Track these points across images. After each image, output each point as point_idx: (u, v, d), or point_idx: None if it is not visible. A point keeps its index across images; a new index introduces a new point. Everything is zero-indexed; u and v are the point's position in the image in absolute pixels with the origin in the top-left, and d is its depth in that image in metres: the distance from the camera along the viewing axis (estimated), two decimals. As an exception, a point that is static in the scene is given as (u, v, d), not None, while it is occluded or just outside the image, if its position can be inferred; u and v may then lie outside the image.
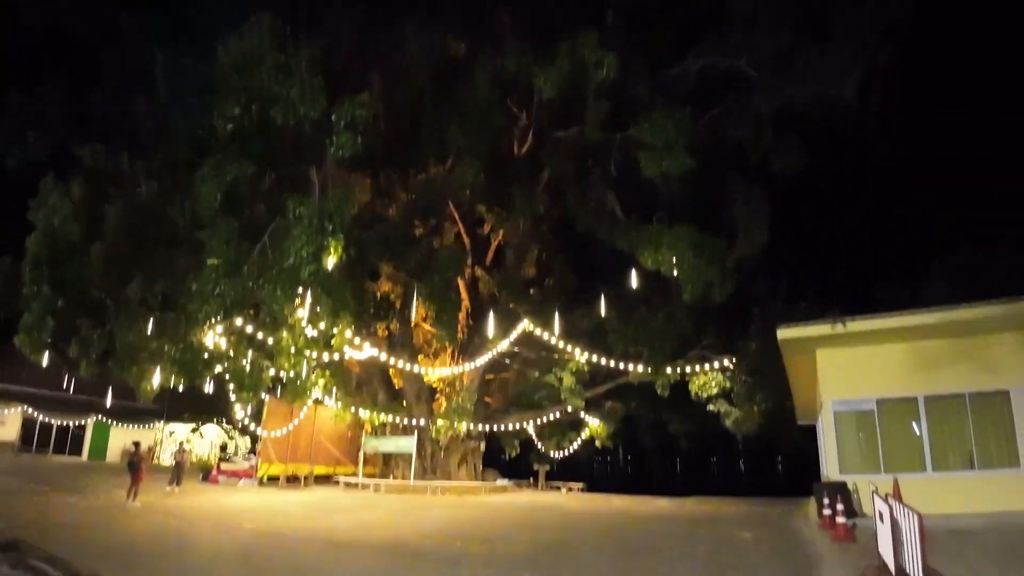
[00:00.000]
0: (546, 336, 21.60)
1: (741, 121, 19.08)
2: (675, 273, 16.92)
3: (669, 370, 22.18)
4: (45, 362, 18.44)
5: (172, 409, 35.24)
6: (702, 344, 22.99)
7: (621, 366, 22.37)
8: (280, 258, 10.81)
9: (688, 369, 22.50)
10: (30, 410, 32.87)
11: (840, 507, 11.42)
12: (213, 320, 10.62)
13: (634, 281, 17.82)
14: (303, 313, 12.24)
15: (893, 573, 6.45)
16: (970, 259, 22.02)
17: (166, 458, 35.62)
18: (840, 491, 12.45)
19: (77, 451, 35.15)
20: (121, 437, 34.73)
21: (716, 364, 22.33)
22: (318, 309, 12.45)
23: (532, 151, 22.11)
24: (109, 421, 35.06)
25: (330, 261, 10.07)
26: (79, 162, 16.40)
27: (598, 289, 22.04)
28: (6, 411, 32.42)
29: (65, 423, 34.58)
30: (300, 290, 11.70)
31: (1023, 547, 9.17)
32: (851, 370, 14.50)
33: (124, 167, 15.75)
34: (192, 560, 9.04)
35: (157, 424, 36.51)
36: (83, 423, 35.13)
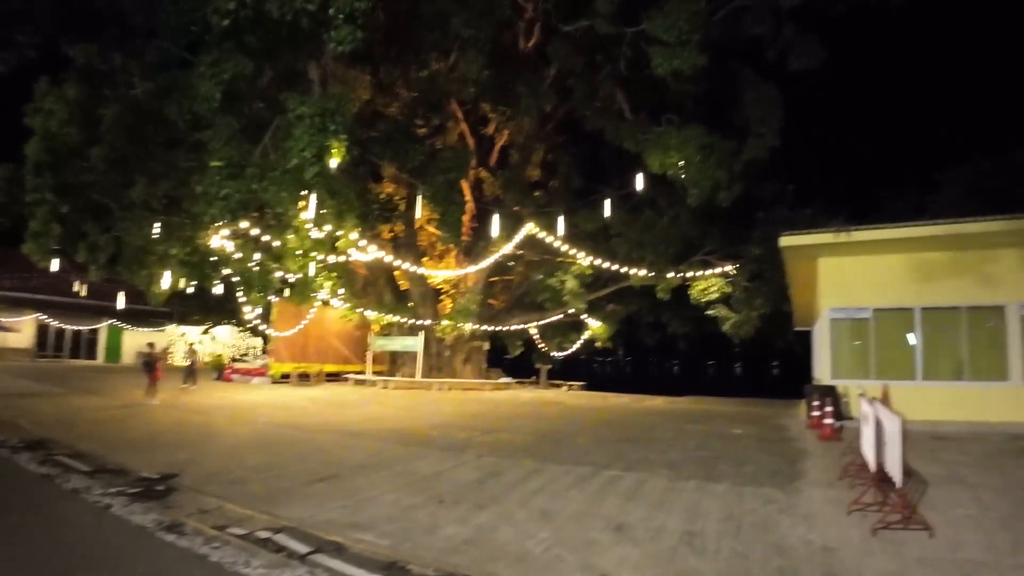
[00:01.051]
0: (550, 239, 21.66)
1: (760, 16, 18.17)
2: (682, 176, 16.70)
3: (671, 274, 22.38)
4: (55, 268, 18.63)
5: (183, 311, 35.91)
6: (705, 249, 23.07)
7: (624, 270, 22.57)
8: (283, 159, 10.69)
9: (690, 274, 22.71)
10: (43, 317, 33.61)
11: (829, 409, 11.93)
12: (219, 222, 10.66)
13: (640, 184, 17.61)
14: (308, 215, 12.27)
15: (873, 470, 6.84)
16: (982, 169, 21.57)
17: (179, 359, 36.77)
18: (830, 394, 12.99)
19: (92, 355, 36.25)
20: (134, 340, 35.69)
21: (718, 269, 22.51)
22: (323, 211, 12.47)
23: (539, 46, 21.26)
24: (122, 325, 35.90)
25: (333, 162, 9.98)
26: (72, 63, 15.88)
27: (603, 192, 21.91)
28: (20, 318, 33.15)
29: (79, 328, 35.42)
30: (304, 192, 11.67)
31: (1001, 453, 9.60)
32: (851, 279, 14.68)
33: (117, 66, 15.23)
34: (213, 447, 9.59)
35: (169, 326, 37.37)
36: (96, 327, 36.00)
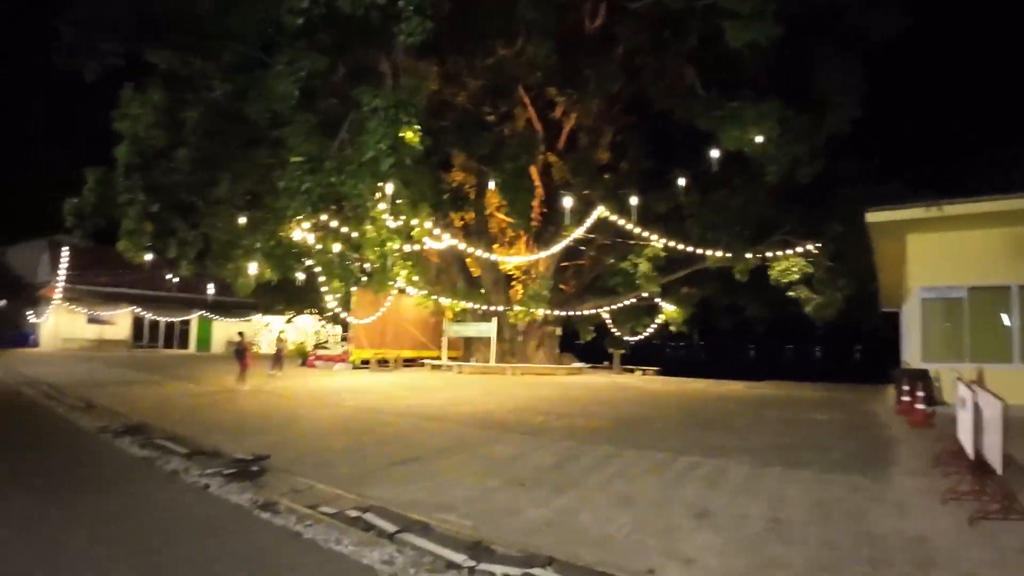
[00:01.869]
0: (621, 222, 21.39)
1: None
2: (760, 153, 16.09)
3: (749, 255, 21.71)
4: (148, 264, 19.91)
5: (268, 302, 37.71)
6: (784, 228, 22.23)
7: (699, 251, 22.04)
8: (359, 152, 11.02)
9: (768, 254, 21.95)
10: (138, 310, 36.07)
11: (921, 393, 11.31)
12: (300, 216, 11.12)
13: (714, 162, 17.08)
14: (384, 206, 12.61)
15: (971, 457, 6.46)
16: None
17: (264, 347, 38.70)
18: (921, 378, 12.35)
19: (184, 345, 38.68)
20: (223, 330, 37.84)
21: (798, 249, 21.66)
22: (398, 201, 12.78)
23: (604, 26, 20.87)
24: (211, 316, 38.12)
25: (407, 153, 10.22)
26: (154, 68, 16.80)
27: (675, 172, 21.42)
28: (117, 311, 35.68)
29: (171, 320, 37.82)
30: (380, 183, 11.99)
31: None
32: (942, 256, 13.91)
33: (197, 70, 16.02)
34: (300, 431, 10.07)
35: (255, 316, 39.32)
36: (187, 319, 38.34)
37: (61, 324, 34.21)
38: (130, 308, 36.00)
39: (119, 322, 36.14)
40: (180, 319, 38.25)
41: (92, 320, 35.13)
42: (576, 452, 8.38)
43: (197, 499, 6.22)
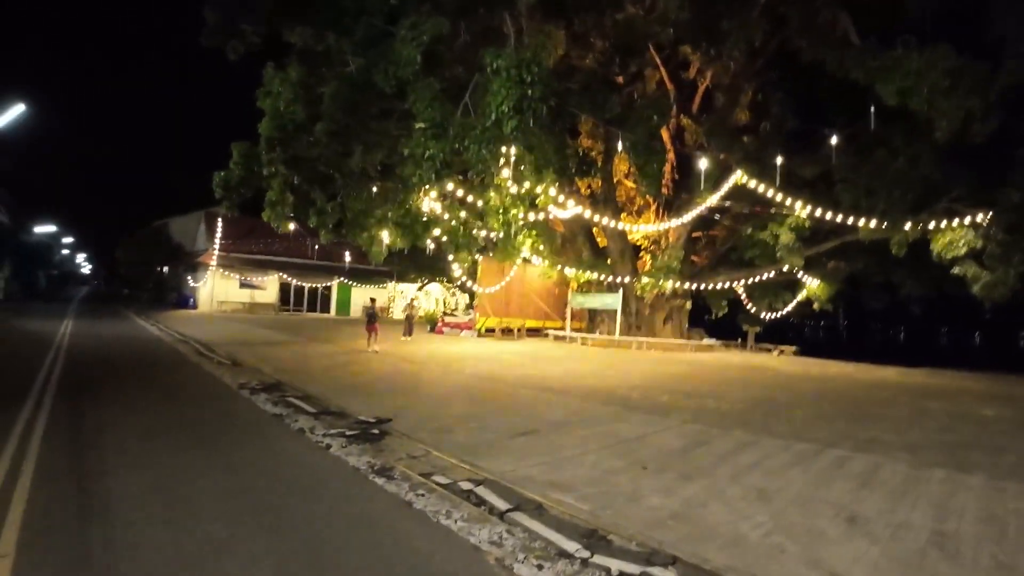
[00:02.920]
0: (761, 188, 19.81)
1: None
2: (925, 107, 14.03)
3: (908, 226, 19.33)
4: (291, 233, 21.14)
5: (401, 270, 39.41)
6: (951, 195, 19.53)
7: (850, 221, 19.96)
8: (482, 116, 10.79)
9: (932, 225, 19.41)
10: (284, 276, 38.89)
11: None
12: (426, 183, 11.11)
13: (871, 120, 15.11)
14: (508, 172, 12.36)
15: None
16: None
17: (397, 313, 40.53)
18: None
19: (326, 308, 41.32)
20: (361, 295, 40.01)
21: (967, 219, 18.95)
22: (522, 168, 12.47)
23: (744, -27, 19.13)
24: (349, 282, 40.43)
25: (531, 115, 9.80)
26: (291, 47, 17.52)
27: (824, 133, 19.40)
28: (265, 277, 38.68)
29: (314, 285, 40.46)
30: (504, 148, 11.72)
31: None
32: None
33: (332, 46, 16.47)
34: (423, 395, 10.18)
35: (389, 283, 41.22)
36: (329, 285, 40.88)
37: (217, 288, 37.64)
38: (277, 274, 38.92)
39: (268, 287, 39.20)
40: (322, 285, 40.85)
41: (244, 285, 38.36)
42: (706, 436, 7.76)
43: (319, 458, 6.35)
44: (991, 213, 18.27)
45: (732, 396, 11.52)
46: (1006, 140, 16.88)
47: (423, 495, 5.22)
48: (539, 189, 14.73)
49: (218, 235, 36.30)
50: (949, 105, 13.55)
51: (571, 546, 4.31)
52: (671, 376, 14.50)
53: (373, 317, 17.74)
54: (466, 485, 5.48)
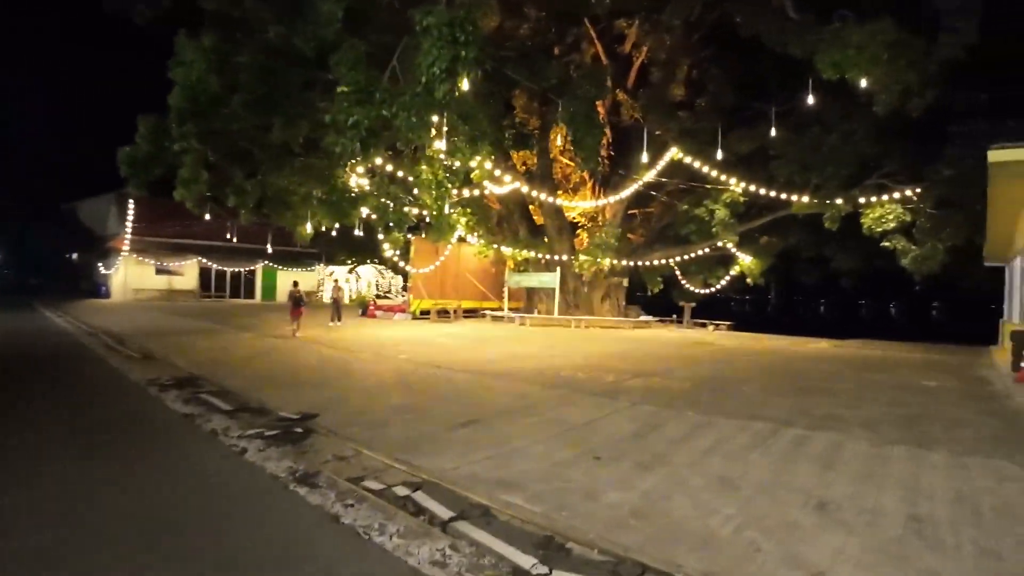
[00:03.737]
0: (697, 164, 19.72)
1: None
2: (865, 80, 14.03)
3: (840, 201, 19.67)
4: (208, 215, 19.65)
5: (330, 252, 37.83)
6: (882, 171, 19.99)
7: (783, 196, 20.17)
8: (412, 82, 9.92)
9: (863, 200, 19.82)
10: (204, 260, 36.67)
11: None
12: (351, 153, 10.14)
13: (809, 95, 15.03)
14: (441, 145, 11.57)
15: None
16: None
17: (327, 296, 39.06)
18: None
19: (251, 294, 39.31)
20: (288, 279, 38.19)
21: (896, 195, 19.44)
22: (455, 139, 11.70)
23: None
24: (275, 266, 38.51)
25: (465, 79, 9.00)
26: (205, 13, 16.07)
27: (760, 109, 19.40)
28: (184, 262, 36.39)
29: (237, 270, 38.38)
30: (436, 118, 10.92)
31: None
32: None
33: (250, 10, 15.16)
34: (354, 386, 9.37)
35: (318, 266, 39.53)
36: (253, 269, 38.85)
37: (131, 275, 35.13)
38: (197, 259, 36.67)
39: (187, 272, 36.91)
40: (246, 269, 38.81)
41: (160, 271, 35.97)
42: (658, 419, 7.33)
43: (231, 466, 5.53)
44: (920, 188, 18.75)
45: (678, 373, 11.24)
46: (938, 116, 17.24)
47: (352, 505, 4.52)
48: (474, 163, 14.00)
49: (130, 218, 33.78)
50: (889, 78, 13.56)
51: (526, 560, 3.71)
52: (614, 354, 14.16)
53: (299, 302, 17.03)
54: (402, 490, 4.81)
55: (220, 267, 37.57)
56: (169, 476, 5.23)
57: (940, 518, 4.51)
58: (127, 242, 33.87)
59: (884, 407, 8.48)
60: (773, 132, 16.51)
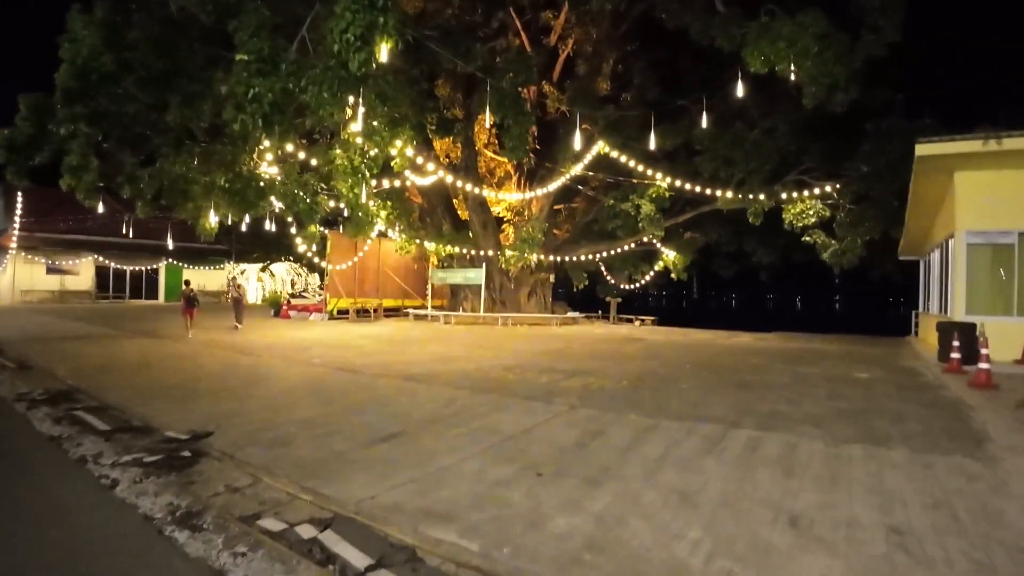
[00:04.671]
0: (624, 158, 19.46)
1: None
2: (793, 73, 13.99)
3: (763, 196, 19.91)
4: (103, 207, 17.77)
5: (241, 249, 35.53)
6: (801, 167, 20.38)
7: (708, 191, 20.21)
8: (324, 53, 8.86)
9: (784, 196, 20.13)
10: (101, 258, 33.62)
11: (985, 351, 9.72)
12: (252, 131, 8.94)
13: (738, 89, 14.81)
14: (357, 127, 10.55)
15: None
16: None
17: (251, 296, 36.75)
18: (965, 332, 11.11)
19: (153, 294, 36.43)
20: (197, 279, 35.64)
21: (816, 190, 19.86)
22: (374, 123, 10.71)
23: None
24: (181, 264, 35.80)
25: (383, 48, 8.01)
26: None
27: (684, 104, 19.33)
28: (78, 260, 33.25)
29: (137, 268, 35.46)
30: (352, 100, 9.90)
31: None
32: (993, 197, 12.54)
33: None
34: (258, 395, 8.27)
35: (227, 264, 37.09)
36: (156, 267, 36.00)
37: (19, 275, 31.73)
38: (92, 256, 33.59)
39: (82, 272, 33.78)
40: (148, 268, 35.95)
41: (52, 270, 32.73)
42: (600, 423, 6.71)
43: (94, 505, 4.45)
44: (839, 184, 19.16)
45: (612, 371, 10.72)
46: (855, 113, 17.61)
47: (244, 555, 3.59)
48: (394, 151, 13.02)
49: (18, 211, 30.46)
50: (818, 71, 13.57)
51: (464, 623, 2.93)
52: (544, 353, 13.56)
53: (192, 301, 16.54)
54: (308, 530, 3.91)
55: (119, 266, 34.58)
56: (14, 518, 4.12)
57: (921, 528, 4.06)
58: (14, 238, 30.54)
59: (825, 402, 8.21)
60: (704, 124, 16.35)
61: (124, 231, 30.00)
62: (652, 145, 16.75)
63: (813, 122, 18.29)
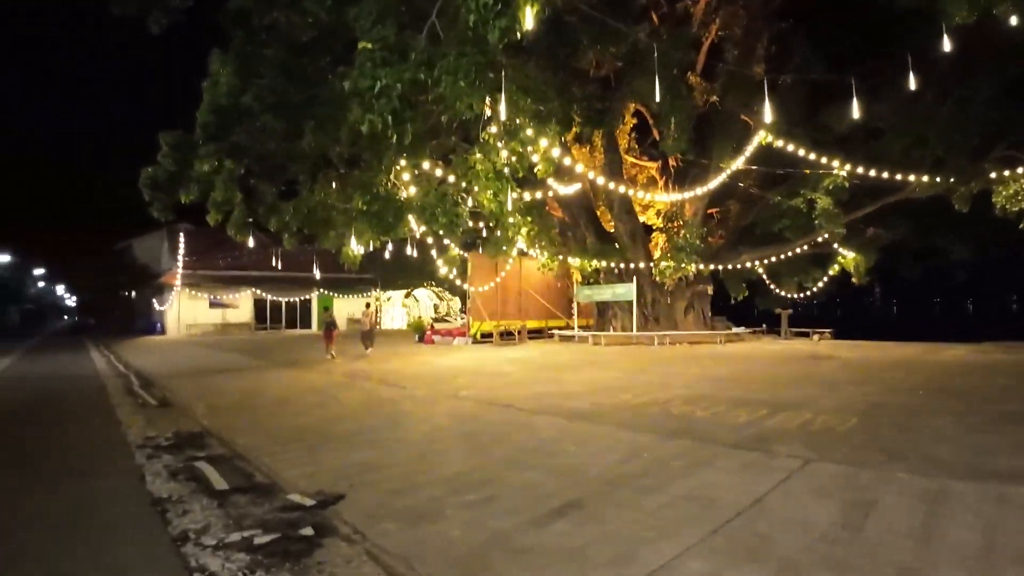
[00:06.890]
0: (790, 147, 16.91)
1: None
2: (1013, 20, 11.07)
3: (969, 177, 16.46)
4: (253, 241, 18.27)
5: (386, 276, 36.34)
6: (1009, 140, 16.70)
7: (897, 177, 17.07)
8: (456, 39, 7.68)
9: (993, 175, 16.53)
10: (258, 291, 35.61)
11: None
12: (381, 130, 7.87)
13: (945, 44, 11.95)
14: (500, 122, 9.31)
15: None
16: None
17: (387, 323, 37.43)
18: None
19: (307, 324, 38.08)
20: (346, 307, 36.81)
21: None
22: (518, 121, 9.44)
23: None
24: (331, 294, 37.21)
25: (528, 13, 6.63)
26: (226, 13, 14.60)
27: (854, 80, 16.41)
28: (238, 294, 35.39)
29: (292, 299, 37.20)
30: (491, 79, 8.63)
31: None
32: None
33: (281, 22, 13.63)
34: (400, 440, 7.04)
35: (374, 292, 38.07)
36: (308, 297, 37.63)
37: (184, 310, 34.31)
38: (251, 290, 35.67)
39: (242, 305, 35.94)
40: (301, 298, 37.66)
41: (214, 304, 35.07)
42: (860, 488, 4.70)
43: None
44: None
45: (826, 403, 8.48)
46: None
47: None
48: (536, 157, 11.68)
49: (181, 251, 33.08)
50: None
51: None
52: (723, 379, 11.46)
53: (331, 326, 18.11)
54: None
55: (275, 297, 36.50)
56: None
57: None
58: (179, 276, 33.13)
59: None
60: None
61: (274, 264, 31.48)
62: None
63: (1019, 84, 14.92)
